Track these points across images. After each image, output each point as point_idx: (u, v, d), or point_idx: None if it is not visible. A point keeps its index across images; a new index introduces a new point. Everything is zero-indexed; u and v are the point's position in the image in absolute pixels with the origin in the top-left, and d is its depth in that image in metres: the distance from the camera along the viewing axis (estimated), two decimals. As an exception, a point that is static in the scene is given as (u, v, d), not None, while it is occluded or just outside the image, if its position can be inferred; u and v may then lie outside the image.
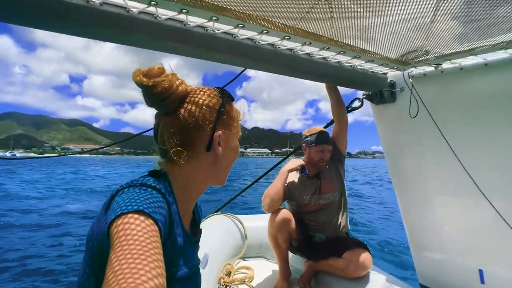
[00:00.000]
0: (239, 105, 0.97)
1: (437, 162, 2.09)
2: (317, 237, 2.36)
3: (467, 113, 1.89)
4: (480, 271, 1.93)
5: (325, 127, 2.52)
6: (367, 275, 2.12)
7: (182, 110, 0.83)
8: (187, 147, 0.82)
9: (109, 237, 0.61)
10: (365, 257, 2.08)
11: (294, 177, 2.42)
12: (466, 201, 1.99)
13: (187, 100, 0.84)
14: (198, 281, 0.92)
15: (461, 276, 2.08)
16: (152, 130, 0.91)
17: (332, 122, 2.52)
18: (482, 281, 1.93)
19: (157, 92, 0.78)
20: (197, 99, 0.85)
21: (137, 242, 0.56)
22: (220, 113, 0.86)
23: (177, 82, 0.82)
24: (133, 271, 0.52)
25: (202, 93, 0.87)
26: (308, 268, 2.39)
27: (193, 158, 0.83)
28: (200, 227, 1.02)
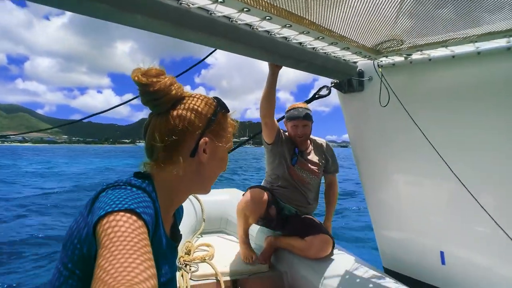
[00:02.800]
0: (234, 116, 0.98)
1: (405, 149, 2.16)
2: (287, 209, 2.40)
3: (434, 102, 1.95)
4: (441, 253, 2.04)
5: (307, 102, 2.53)
6: (328, 255, 2.16)
7: (174, 113, 0.84)
8: (173, 150, 0.83)
9: (95, 236, 0.60)
10: (326, 241, 2.13)
11: (287, 139, 2.43)
12: (430, 185, 2.09)
13: (180, 104, 0.85)
14: (174, 286, 0.92)
15: (422, 257, 2.19)
16: (143, 127, 0.89)
17: (311, 100, 2.55)
18: (443, 262, 2.04)
19: (152, 91, 0.80)
20: (190, 104, 0.86)
21: (125, 242, 0.55)
22: (211, 121, 0.87)
23: (173, 85, 0.83)
24: (127, 270, 0.51)
25: (196, 99, 0.88)
26: (268, 244, 2.42)
27: (178, 162, 0.84)
28: (181, 233, 1.01)
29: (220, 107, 0.91)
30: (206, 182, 0.93)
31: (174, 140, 0.82)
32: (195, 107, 0.86)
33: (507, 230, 1.67)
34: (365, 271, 1.93)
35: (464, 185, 1.78)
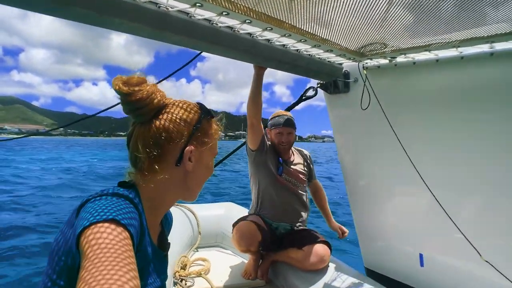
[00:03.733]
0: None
1: (385, 153, 2.16)
2: (282, 227, 2.37)
3: (416, 106, 1.96)
4: (420, 255, 2.06)
5: (287, 110, 2.52)
6: (325, 267, 2.16)
7: (157, 122, 0.82)
8: (157, 160, 0.82)
9: (78, 247, 0.59)
10: (324, 251, 2.12)
11: (271, 147, 2.40)
12: (410, 190, 2.10)
13: (163, 112, 0.84)
14: None
15: (402, 259, 2.21)
16: (127, 137, 0.88)
17: (298, 102, 2.55)
18: (422, 264, 2.06)
19: (134, 101, 0.78)
20: (173, 112, 0.84)
21: (111, 251, 0.55)
22: (195, 129, 0.86)
23: (156, 93, 0.82)
24: (110, 281, 0.50)
25: (179, 106, 0.86)
26: (266, 258, 2.39)
27: (162, 171, 0.83)
28: (169, 241, 0.99)
29: (204, 114, 0.89)
30: (193, 190, 0.91)
31: (158, 150, 0.81)
32: (179, 115, 0.84)
33: (473, 240, 1.71)
34: (361, 283, 1.93)
35: (431, 191, 1.82)
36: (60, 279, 0.66)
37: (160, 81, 2.21)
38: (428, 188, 1.89)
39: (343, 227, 2.49)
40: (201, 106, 0.91)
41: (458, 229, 1.76)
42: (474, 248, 1.69)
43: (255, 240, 2.18)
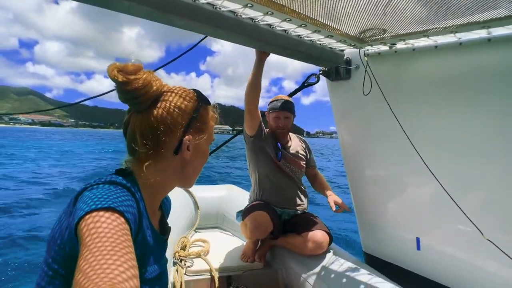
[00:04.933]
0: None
1: (386, 139, 2.20)
2: (286, 213, 2.40)
3: (417, 92, 1.99)
4: (417, 239, 2.11)
5: (289, 95, 2.55)
6: (324, 252, 2.20)
7: (154, 111, 0.81)
8: (155, 148, 0.81)
9: (77, 235, 0.60)
10: (323, 237, 2.15)
11: (269, 134, 2.41)
12: (410, 176, 2.14)
13: (161, 101, 0.83)
14: (165, 280, 0.92)
15: (399, 243, 2.26)
16: (123, 125, 0.88)
17: (301, 88, 2.58)
18: (418, 248, 2.11)
19: (130, 89, 0.77)
20: (171, 100, 0.84)
21: (108, 241, 0.56)
22: (193, 118, 0.86)
23: (152, 81, 0.81)
24: (107, 271, 0.51)
25: (177, 95, 0.85)
26: (265, 242, 2.43)
27: (160, 160, 0.83)
28: (169, 225, 1.01)
29: (201, 102, 0.89)
30: (190, 177, 0.92)
31: (156, 139, 0.81)
32: (177, 103, 0.83)
33: (476, 222, 1.74)
34: (358, 269, 1.98)
35: (433, 175, 1.84)
36: (61, 268, 0.68)
37: (157, 68, 2.26)
38: (430, 171, 1.90)
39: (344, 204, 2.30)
40: (198, 93, 0.90)
41: (459, 208, 1.76)
42: (476, 226, 1.71)
43: (268, 231, 2.20)
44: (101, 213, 0.60)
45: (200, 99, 0.89)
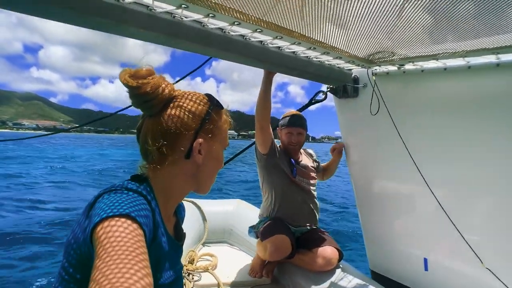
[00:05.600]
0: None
1: (392, 158, 2.19)
2: (299, 231, 2.39)
3: (424, 113, 1.98)
4: (425, 260, 2.10)
5: (299, 110, 2.56)
6: (333, 269, 2.19)
7: (166, 114, 0.82)
8: (167, 152, 0.81)
9: (92, 242, 0.61)
10: (332, 254, 2.15)
11: (282, 150, 2.42)
12: (416, 195, 2.12)
13: (172, 105, 0.83)
14: (181, 286, 0.92)
15: (407, 263, 2.25)
16: (136, 131, 0.89)
17: (308, 105, 2.60)
18: (426, 269, 2.10)
19: (142, 94, 0.78)
20: (182, 104, 0.84)
21: (123, 248, 0.56)
22: (204, 121, 0.85)
23: (163, 85, 0.81)
24: (121, 280, 0.50)
25: (188, 98, 0.85)
26: None
27: (173, 164, 0.83)
28: (184, 231, 1.00)
29: (213, 106, 0.88)
30: (204, 183, 0.91)
31: (167, 143, 0.81)
32: (188, 107, 0.84)
33: (475, 244, 1.73)
34: (367, 286, 1.97)
35: (435, 197, 1.84)
36: (77, 273, 0.68)
37: (177, 82, 2.28)
38: (433, 194, 1.91)
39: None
40: (210, 97, 0.90)
41: (461, 235, 1.79)
42: (476, 255, 1.72)
43: (287, 254, 2.18)
44: (115, 220, 0.61)
45: (212, 103, 0.89)
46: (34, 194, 9.79)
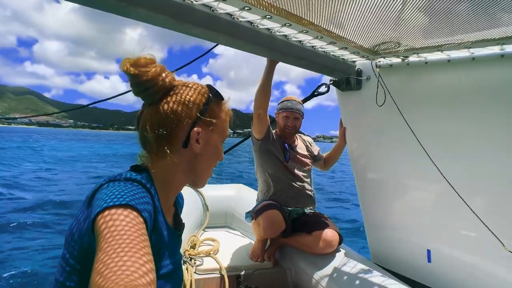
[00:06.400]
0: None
1: (395, 148, 2.21)
2: (294, 212, 2.44)
3: (428, 104, 2.00)
4: (428, 252, 2.11)
5: (306, 99, 2.61)
6: (332, 252, 2.22)
7: (165, 102, 0.83)
8: (166, 141, 0.82)
9: (94, 232, 0.61)
10: (333, 236, 2.18)
11: (276, 136, 2.46)
12: (420, 185, 2.14)
13: (172, 93, 0.84)
14: (180, 276, 0.92)
15: (410, 255, 2.26)
16: (136, 120, 0.89)
17: (310, 97, 2.64)
18: (429, 260, 2.11)
19: (141, 82, 0.79)
20: (182, 93, 0.85)
21: (125, 236, 0.56)
22: (203, 110, 0.86)
23: (163, 74, 0.82)
24: (123, 268, 0.51)
25: (188, 88, 0.87)
26: (274, 241, 2.45)
27: (172, 154, 0.83)
28: (185, 220, 1.02)
29: (213, 95, 0.89)
30: (200, 174, 0.91)
31: (166, 131, 0.81)
32: (187, 96, 0.84)
33: (494, 230, 1.73)
34: (368, 269, 1.98)
35: (452, 187, 1.84)
36: (78, 264, 0.68)
37: (175, 70, 2.28)
38: (447, 180, 1.87)
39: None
40: (210, 87, 0.91)
41: (480, 220, 1.75)
42: (498, 238, 1.70)
43: (280, 229, 2.25)
44: (117, 210, 0.61)
45: (213, 93, 0.90)
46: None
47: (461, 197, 1.81)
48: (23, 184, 10.25)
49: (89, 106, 2.81)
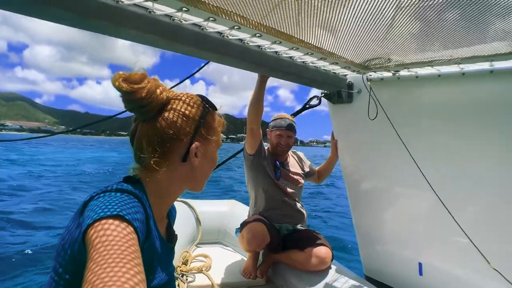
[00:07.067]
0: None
1: (391, 161, 2.21)
2: (285, 228, 2.42)
3: (418, 118, 2.01)
4: (420, 265, 2.11)
5: (293, 115, 2.59)
6: (325, 269, 2.20)
7: (161, 119, 0.80)
8: (163, 156, 0.81)
9: (84, 244, 0.60)
10: (326, 253, 2.16)
11: (268, 153, 2.45)
12: (412, 198, 2.15)
13: (167, 109, 0.82)
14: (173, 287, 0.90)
15: (402, 268, 2.26)
16: (130, 134, 0.87)
17: (301, 110, 2.64)
18: (420, 273, 2.11)
19: (136, 99, 0.76)
20: (177, 108, 0.83)
21: (116, 247, 0.55)
22: (200, 124, 0.85)
23: (158, 90, 0.80)
24: (113, 278, 0.50)
25: (183, 101, 0.84)
26: (267, 258, 2.43)
27: (168, 168, 0.82)
28: (176, 233, 0.99)
29: (207, 108, 0.88)
30: (199, 182, 0.91)
31: (164, 147, 0.80)
32: (183, 110, 0.83)
33: (481, 245, 1.74)
34: (360, 286, 1.97)
35: (441, 201, 1.85)
36: (71, 277, 0.67)
37: (174, 86, 2.26)
38: (436, 195, 1.89)
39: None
40: (204, 99, 0.89)
41: (467, 236, 1.77)
42: (482, 255, 1.72)
43: (265, 242, 2.23)
44: (109, 220, 0.60)
45: (206, 104, 0.88)
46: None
47: (449, 212, 1.83)
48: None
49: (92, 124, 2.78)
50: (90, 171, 18.08)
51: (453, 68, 1.79)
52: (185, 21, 1.35)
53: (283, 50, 1.67)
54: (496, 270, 1.68)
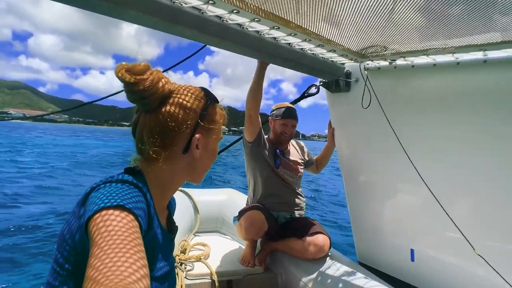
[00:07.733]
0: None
1: (382, 150, 2.25)
2: (282, 216, 2.43)
3: (414, 107, 2.05)
4: (411, 251, 2.16)
5: (292, 103, 2.59)
6: (323, 257, 2.22)
7: (163, 110, 0.81)
8: (164, 148, 0.82)
9: (87, 233, 0.60)
10: (324, 241, 2.17)
11: (268, 141, 2.46)
12: (406, 187, 2.20)
13: (169, 100, 0.83)
14: (174, 278, 0.92)
15: (394, 254, 2.31)
16: (132, 125, 0.88)
17: (300, 98, 2.65)
18: (412, 259, 2.16)
19: (139, 90, 0.77)
20: (179, 100, 0.84)
21: (118, 240, 0.55)
22: (202, 116, 0.86)
23: (161, 81, 0.81)
24: (116, 272, 0.50)
25: (185, 94, 0.85)
26: (265, 246, 2.45)
27: (169, 159, 0.83)
28: (176, 224, 1.01)
29: (209, 100, 0.89)
30: (199, 174, 0.92)
31: (165, 138, 0.81)
32: (185, 102, 0.83)
33: (469, 233, 1.79)
34: (357, 273, 2.00)
35: (429, 189, 1.89)
36: (74, 268, 0.67)
37: (166, 70, 2.29)
38: (425, 184, 1.93)
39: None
40: (206, 91, 0.90)
41: (453, 222, 1.82)
42: (468, 241, 1.76)
43: (263, 230, 2.23)
44: (111, 211, 0.60)
45: (208, 97, 0.89)
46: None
47: (436, 199, 1.87)
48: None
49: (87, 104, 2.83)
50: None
51: (448, 58, 1.82)
52: (185, 4, 1.39)
53: (281, 36, 1.70)
54: (480, 256, 1.72)
